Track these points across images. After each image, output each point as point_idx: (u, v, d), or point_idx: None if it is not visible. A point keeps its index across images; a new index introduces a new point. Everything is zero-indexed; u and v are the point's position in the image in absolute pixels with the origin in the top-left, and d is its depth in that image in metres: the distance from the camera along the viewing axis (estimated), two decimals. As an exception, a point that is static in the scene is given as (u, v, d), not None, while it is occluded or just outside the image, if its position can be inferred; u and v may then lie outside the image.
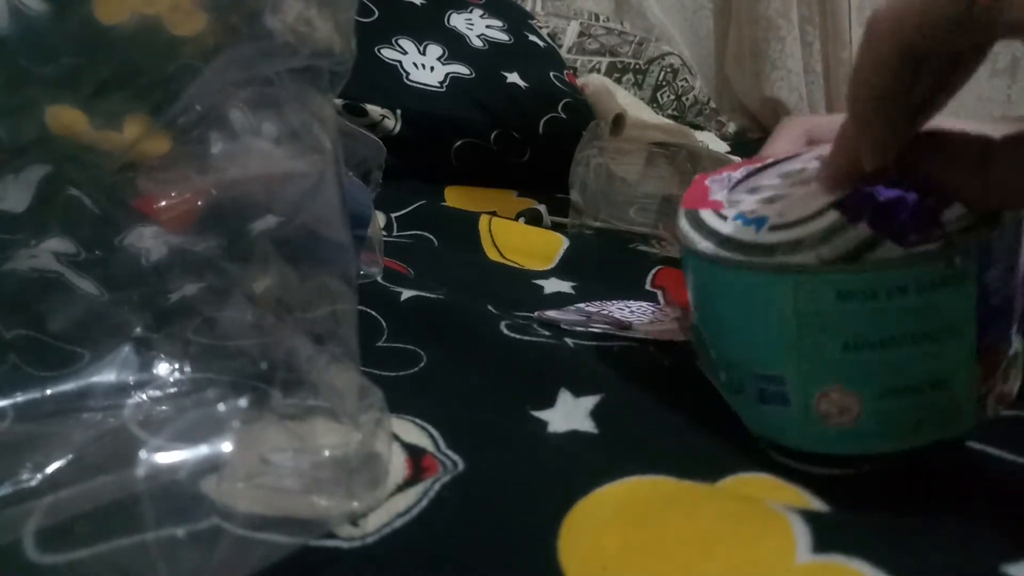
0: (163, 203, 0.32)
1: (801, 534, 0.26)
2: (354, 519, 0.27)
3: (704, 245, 0.34)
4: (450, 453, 0.32)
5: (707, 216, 0.35)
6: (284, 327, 0.30)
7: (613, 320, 0.49)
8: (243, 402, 0.29)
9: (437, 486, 0.29)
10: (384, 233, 0.66)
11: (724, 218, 0.34)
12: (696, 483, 0.30)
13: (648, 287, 0.61)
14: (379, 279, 0.52)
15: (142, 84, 0.32)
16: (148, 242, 0.32)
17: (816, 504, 0.30)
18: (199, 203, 0.33)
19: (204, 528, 0.25)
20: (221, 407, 0.28)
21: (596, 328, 0.47)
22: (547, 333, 0.46)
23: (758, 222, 0.33)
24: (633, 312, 0.52)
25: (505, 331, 0.45)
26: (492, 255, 0.67)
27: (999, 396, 0.33)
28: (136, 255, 0.32)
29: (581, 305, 0.54)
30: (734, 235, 0.33)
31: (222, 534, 0.25)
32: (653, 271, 0.63)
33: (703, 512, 0.28)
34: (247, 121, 0.33)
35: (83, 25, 0.32)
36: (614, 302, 0.55)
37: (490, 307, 0.50)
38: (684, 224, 0.36)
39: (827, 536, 0.26)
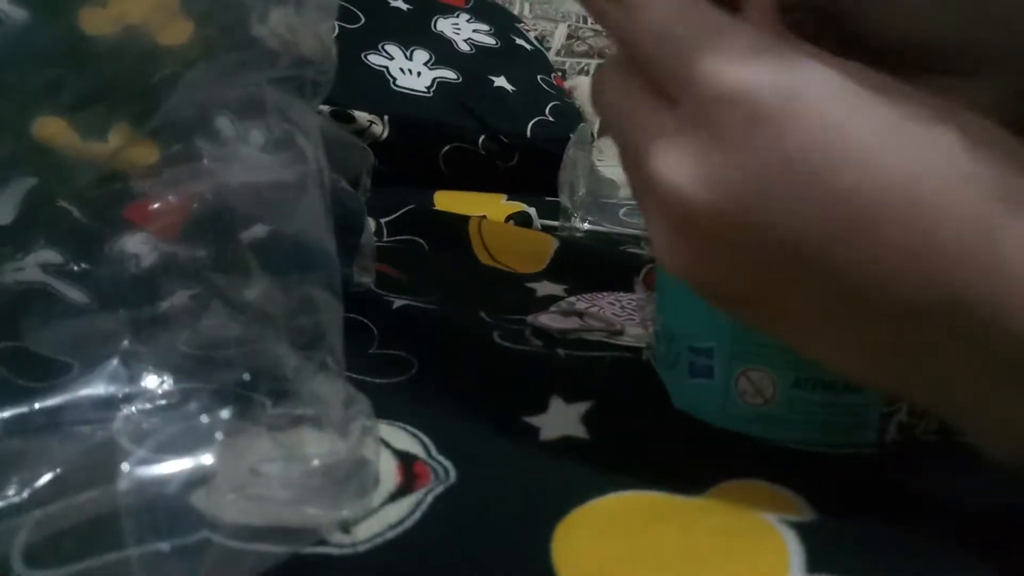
0: (151, 209, 0.32)
1: (795, 552, 0.26)
2: (345, 527, 0.27)
3: None
4: (441, 459, 0.32)
5: None
6: (269, 337, 0.30)
7: (606, 321, 0.49)
8: (229, 413, 0.29)
9: (430, 498, 0.29)
10: (375, 239, 0.66)
11: None
12: (689, 497, 0.30)
13: (640, 286, 0.61)
14: (371, 286, 0.52)
15: (128, 94, 0.32)
16: (138, 248, 0.32)
17: (808, 512, 0.30)
18: (187, 210, 0.33)
19: (193, 541, 0.25)
20: (205, 419, 0.28)
21: (589, 336, 0.47)
22: (539, 342, 0.46)
23: None
24: (624, 308, 0.52)
25: (498, 340, 0.44)
26: (483, 258, 0.67)
27: (901, 425, 0.35)
28: (125, 264, 0.32)
29: (571, 299, 0.54)
30: None
31: (210, 546, 0.25)
32: (644, 270, 0.63)
33: (697, 526, 0.28)
34: (234, 129, 0.33)
35: (68, 35, 0.32)
36: (604, 295, 0.55)
37: (482, 314, 0.49)
38: None
39: (820, 555, 0.26)
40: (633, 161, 0.26)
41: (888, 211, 0.23)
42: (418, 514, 0.28)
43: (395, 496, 0.29)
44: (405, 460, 0.32)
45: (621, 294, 0.55)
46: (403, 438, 0.33)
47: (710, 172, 0.24)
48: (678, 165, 0.24)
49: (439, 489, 0.30)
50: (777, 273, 0.25)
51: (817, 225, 0.23)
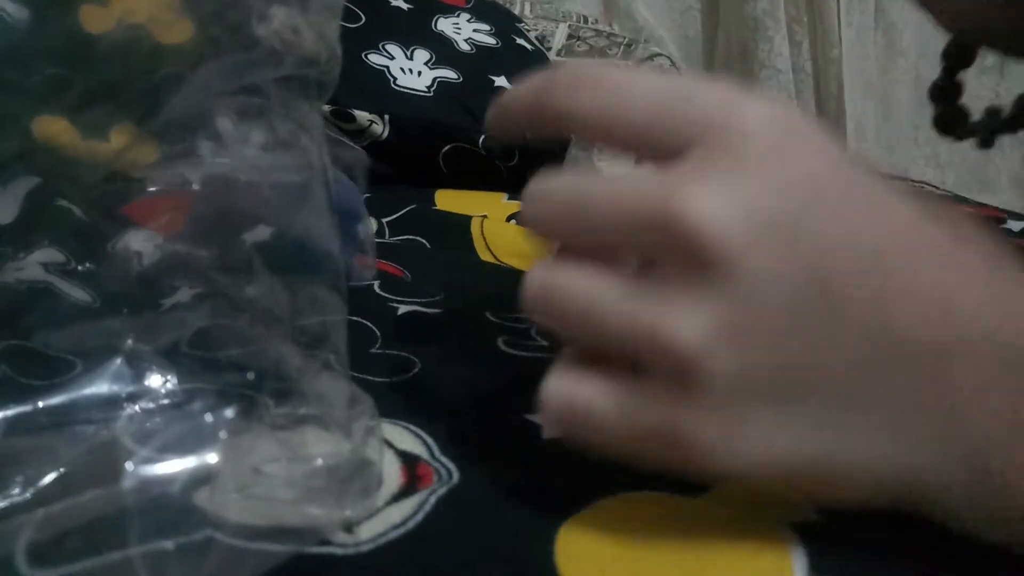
0: (153, 207, 0.32)
1: (798, 555, 0.26)
2: (348, 527, 0.27)
3: None
4: (444, 460, 0.32)
5: None
6: (273, 336, 0.30)
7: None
8: (233, 412, 0.29)
9: (433, 499, 0.29)
10: (375, 238, 0.66)
11: None
12: (693, 498, 0.30)
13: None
14: (376, 289, 0.51)
15: (130, 93, 0.32)
16: (140, 245, 0.32)
17: (812, 513, 0.30)
18: (189, 208, 0.33)
19: (196, 540, 0.25)
20: (209, 418, 0.28)
21: None
22: (545, 343, 0.46)
23: None
24: None
25: (503, 347, 0.44)
26: (486, 257, 0.67)
27: None
28: (128, 262, 0.32)
29: None
30: None
31: (213, 545, 0.25)
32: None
33: (700, 529, 0.28)
34: (235, 129, 0.33)
35: (69, 35, 0.32)
36: None
37: (487, 313, 0.49)
38: None
39: (824, 559, 0.26)
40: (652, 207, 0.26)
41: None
42: (421, 515, 0.28)
43: (398, 497, 0.29)
44: (408, 461, 0.32)
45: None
46: (406, 438, 0.33)
47: (746, 202, 0.25)
48: (710, 201, 0.24)
49: (442, 491, 0.30)
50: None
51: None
